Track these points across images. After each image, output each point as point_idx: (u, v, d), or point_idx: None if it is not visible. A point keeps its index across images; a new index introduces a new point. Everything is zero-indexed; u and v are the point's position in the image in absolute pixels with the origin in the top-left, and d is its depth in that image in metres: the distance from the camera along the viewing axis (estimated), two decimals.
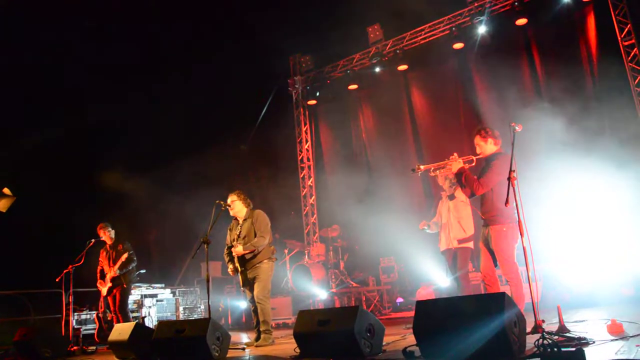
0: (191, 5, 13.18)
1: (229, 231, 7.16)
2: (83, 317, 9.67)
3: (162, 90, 13.11)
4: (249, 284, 6.89)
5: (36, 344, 7.05)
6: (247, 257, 6.79)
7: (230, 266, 6.97)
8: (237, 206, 6.99)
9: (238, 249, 6.76)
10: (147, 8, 12.75)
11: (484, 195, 5.58)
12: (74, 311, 9.27)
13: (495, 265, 5.49)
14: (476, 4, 11.26)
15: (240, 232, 6.95)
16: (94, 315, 9.57)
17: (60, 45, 11.97)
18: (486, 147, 5.69)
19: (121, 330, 6.29)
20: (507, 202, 4.75)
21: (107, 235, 8.62)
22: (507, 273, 5.32)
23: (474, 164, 5.83)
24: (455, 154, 5.89)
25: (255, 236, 6.80)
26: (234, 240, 6.95)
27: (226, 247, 7.09)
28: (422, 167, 5.90)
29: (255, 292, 6.77)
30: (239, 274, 6.91)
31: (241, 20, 13.27)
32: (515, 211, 5.12)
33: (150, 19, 12.77)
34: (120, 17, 12.82)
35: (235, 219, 7.12)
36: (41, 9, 11.63)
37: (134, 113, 12.81)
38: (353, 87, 13.63)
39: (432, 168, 6.04)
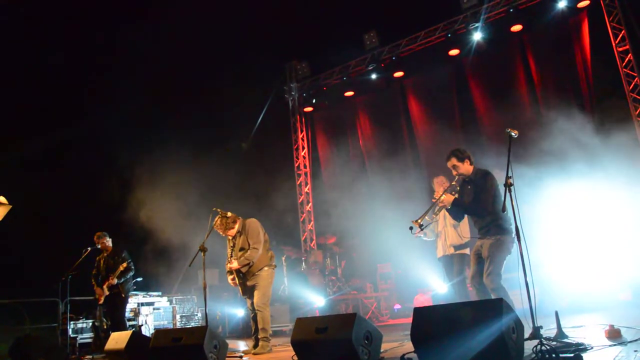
0: (186, 11, 13.21)
1: (228, 243, 7.14)
2: (79, 325, 9.60)
3: (159, 96, 13.11)
4: (249, 291, 6.86)
5: (33, 353, 6.99)
6: (244, 269, 6.77)
7: (230, 276, 6.95)
8: (227, 226, 6.89)
9: (233, 265, 6.75)
10: (142, 14, 12.81)
11: (478, 214, 5.58)
12: (70, 320, 9.20)
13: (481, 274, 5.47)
14: (471, 11, 11.31)
15: (234, 245, 6.92)
16: (91, 324, 9.51)
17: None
18: (464, 167, 5.67)
19: (118, 339, 6.26)
20: (504, 208, 4.74)
21: (105, 244, 8.58)
22: (490, 283, 5.29)
23: (458, 188, 5.81)
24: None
25: (249, 246, 6.78)
26: (231, 255, 6.92)
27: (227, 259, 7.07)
28: (418, 220, 5.65)
29: (255, 300, 6.74)
30: (238, 285, 6.90)
31: (238, 26, 13.30)
32: (511, 222, 5.11)
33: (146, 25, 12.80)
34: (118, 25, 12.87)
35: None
36: None
37: (131, 119, 12.81)
38: (349, 93, 13.68)
39: (427, 216, 5.93)
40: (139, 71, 12.77)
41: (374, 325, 4.59)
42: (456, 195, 5.70)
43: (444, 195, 5.70)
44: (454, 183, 5.79)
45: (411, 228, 5.76)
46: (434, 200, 5.91)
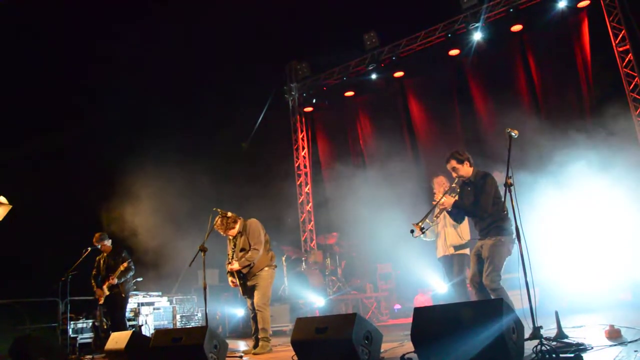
0: (186, 13, 13.23)
1: (228, 243, 7.14)
2: (79, 325, 9.60)
3: (158, 99, 13.12)
4: (249, 292, 6.86)
5: (32, 353, 6.99)
6: (244, 270, 6.77)
7: (230, 278, 6.95)
8: (228, 226, 6.89)
9: (234, 266, 6.75)
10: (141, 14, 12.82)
11: (478, 215, 5.57)
12: (70, 320, 9.20)
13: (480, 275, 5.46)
14: (471, 11, 11.30)
15: (235, 245, 6.92)
16: (91, 324, 9.51)
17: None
18: (464, 169, 5.66)
19: (118, 339, 6.26)
20: (504, 208, 4.74)
21: (105, 245, 8.58)
22: (490, 283, 5.29)
23: (458, 190, 5.81)
24: (438, 193, 5.88)
25: (250, 246, 6.78)
26: (232, 256, 6.91)
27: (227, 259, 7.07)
28: (419, 223, 5.73)
29: (255, 300, 6.75)
30: (238, 285, 6.90)
31: (238, 25, 13.30)
32: (511, 223, 5.11)
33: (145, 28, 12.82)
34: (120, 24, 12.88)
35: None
36: None
37: (130, 120, 12.81)
38: (349, 94, 13.67)
39: (428, 218, 5.93)
40: (139, 72, 12.79)
41: (374, 325, 4.59)
42: (456, 198, 5.70)
43: (444, 198, 5.71)
44: (454, 185, 5.79)
45: (412, 231, 5.79)
46: (434, 203, 5.90)
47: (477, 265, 5.54)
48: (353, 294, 11.52)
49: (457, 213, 5.80)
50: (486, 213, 5.46)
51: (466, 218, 6.46)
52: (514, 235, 4.76)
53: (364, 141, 13.68)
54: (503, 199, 4.72)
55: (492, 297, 5.25)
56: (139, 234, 10.97)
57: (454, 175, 5.73)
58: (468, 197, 5.68)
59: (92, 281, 8.59)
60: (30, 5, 11.86)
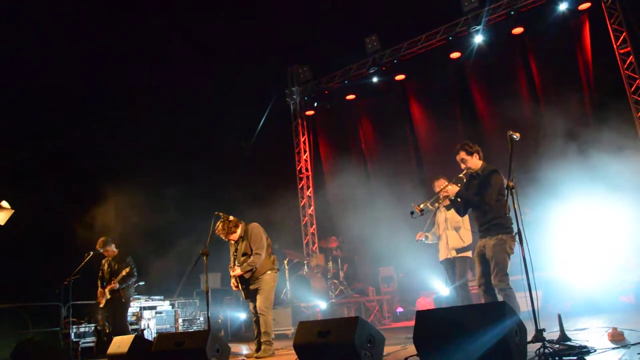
0: (187, 16, 13.26)
1: (230, 247, 7.13)
2: (82, 330, 9.59)
3: (159, 101, 13.14)
4: (251, 295, 6.85)
5: (34, 357, 6.99)
6: (247, 275, 6.76)
7: (233, 281, 6.94)
8: (230, 230, 6.89)
9: (236, 272, 6.74)
10: (146, 19, 12.85)
11: (480, 208, 5.57)
12: (73, 324, 9.20)
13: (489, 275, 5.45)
14: (472, 14, 11.32)
15: (237, 250, 6.91)
16: (93, 328, 9.51)
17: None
18: (473, 161, 5.66)
19: (120, 343, 6.26)
20: (506, 209, 4.74)
21: (108, 249, 8.58)
22: (499, 283, 5.28)
23: (464, 181, 5.81)
24: (443, 180, 5.88)
25: (252, 251, 6.77)
26: (235, 260, 6.91)
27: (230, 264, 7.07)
28: (420, 206, 5.74)
29: (257, 303, 6.73)
30: (240, 290, 6.90)
31: (239, 29, 13.33)
32: (513, 221, 5.11)
33: (150, 30, 12.85)
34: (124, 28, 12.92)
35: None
36: None
37: (131, 123, 12.84)
38: (351, 97, 13.68)
39: (429, 203, 5.96)
40: (139, 73, 12.82)
41: (377, 329, 4.59)
42: (459, 186, 5.70)
43: (449, 186, 5.71)
44: (460, 175, 5.78)
45: (412, 212, 5.78)
46: (437, 190, 5.90)
47: (482, 266, 5.50)
48: (355, 298, 11.50)
49: (459, 203, 5.79)
50: (488, 206, 5.45)
51: (467, 221, 6.45)
52: (515, 232, 4.76)
53: (366, 144, 13.69)
54: (505, 198, 4.73)
55: (500, 297, 5.24)
56: (140, 236, 10.98)
57: (463, 166, 5.73)
58: (473, 190, 5.69)
59: (99, 282, 8.59)
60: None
